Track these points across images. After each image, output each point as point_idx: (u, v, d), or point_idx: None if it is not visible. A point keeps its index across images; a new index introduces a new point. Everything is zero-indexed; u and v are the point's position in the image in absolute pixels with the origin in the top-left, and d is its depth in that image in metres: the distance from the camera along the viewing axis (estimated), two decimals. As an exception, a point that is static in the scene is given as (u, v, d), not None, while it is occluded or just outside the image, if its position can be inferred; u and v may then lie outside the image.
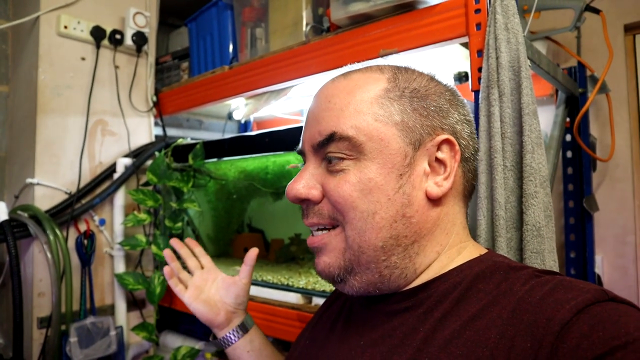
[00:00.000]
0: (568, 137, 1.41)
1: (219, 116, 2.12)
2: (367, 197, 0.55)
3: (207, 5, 1.65)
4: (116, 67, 1.66)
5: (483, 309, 0.49)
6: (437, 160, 0.58)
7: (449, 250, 0.59)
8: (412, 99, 0.58)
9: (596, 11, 1.32)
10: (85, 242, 1.50)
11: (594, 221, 1.43)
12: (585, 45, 1.47)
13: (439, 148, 0.58)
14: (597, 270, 1.44)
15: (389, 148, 0.55)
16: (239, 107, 1.81)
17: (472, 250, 0.60)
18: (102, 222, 1.59)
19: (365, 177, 0.55)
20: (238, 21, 1.52)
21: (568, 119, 1.37)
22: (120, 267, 1.59)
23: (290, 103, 1.74)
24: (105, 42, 1.62)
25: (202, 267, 0.97)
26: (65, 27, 1.52)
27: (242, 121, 2.15)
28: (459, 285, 0.54)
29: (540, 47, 1.35)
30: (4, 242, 1.30)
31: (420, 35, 0.98)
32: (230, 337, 0.87)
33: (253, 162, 1.50)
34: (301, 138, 0.63)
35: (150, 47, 1.76)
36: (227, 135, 1.95)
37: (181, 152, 1.61)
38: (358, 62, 1.09)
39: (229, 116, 2.04)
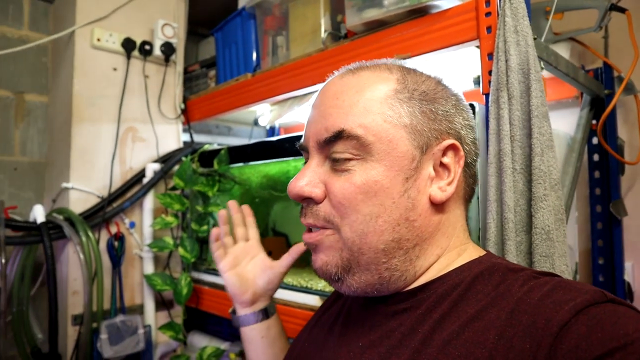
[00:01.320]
0: (595, 140, 1.37)
1: (246, 122, 2.17)
2: (371, 199, 0.54)
3: (232, 15, 1.70)
4: (146, 76, 1.74)
5: (482, 310, 0.49)
6: (442, 164, 0.58)
7: (449, 252, 0.59)
8: (420, 101, 0.57)
9: (622, 10, 1.28)
10: (116, 243, 1.57)
11: (624, 227, 1.38)
12: (614, 46, 1.43)
13: (444, 153, 0.57)
14: (627, 277, 1.39)
15: (397, 150, 0.54)
16: (264, 113, 1.85)
17: (471, 252, 0.60)
18: (132, 224, 1.65)
19: (371, 179, 0.54)
20: (260, 30, 1.56)
21: (595, 122, 1.33)
22: (149, 268, 1.65)
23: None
24: (136, 52, 1.69)
25: (247, 240, 0.94)
26: (98, 39, 1.60)
27: (268, 127, 2.20)
28: (457, 286, 0.54)
29: (565, 48, 1.33)
30: (40, 243, 1.38)
31: (432, 40, 0.99)
32: (250, 317, 0.85)
33: (275, 167, 1.54)
34: (304, 133, 0.61)
35: (179, 57, 1.83)
36: (252, 141, 1.99)
37: (207, 158, 1.66)
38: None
39: (255, 122, 2.09)
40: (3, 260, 1.34)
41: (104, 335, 1.43)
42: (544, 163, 0.80)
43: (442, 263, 0.58)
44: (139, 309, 1.65)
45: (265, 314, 0.87)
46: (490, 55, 0.90)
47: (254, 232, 0.95)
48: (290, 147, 1.36)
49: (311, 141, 0.59)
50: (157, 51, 1.71)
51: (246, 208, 0.96)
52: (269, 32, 1.52)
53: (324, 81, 1.25)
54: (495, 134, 0.85)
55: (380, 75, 0.59)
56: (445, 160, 0.57)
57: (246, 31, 1.65)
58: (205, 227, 1.65)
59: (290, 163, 1.47)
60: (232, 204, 0.95)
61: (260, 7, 1.54)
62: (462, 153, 0.57)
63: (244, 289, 0.86)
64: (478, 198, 0.90)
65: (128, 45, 1.66)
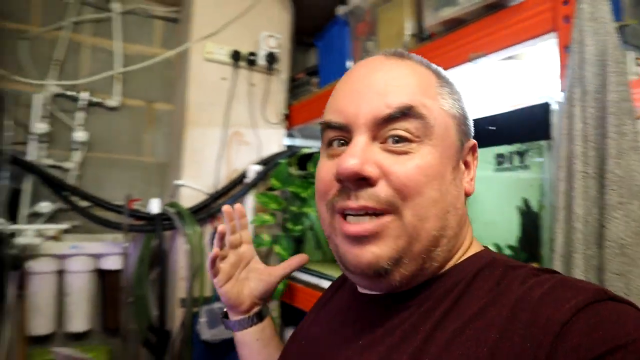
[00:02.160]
0: None
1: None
2: (432, 183, 0.52)
3: (331, 24, 1.76)
4: (252, 84, 1.88)
5: (483, 308, 0.49)
6: (465, 162, 0.60)
7: (465, 245, 0.59)
8: (459, 100, 0.59)
9: None
10: (218, 237, 1.72)
11: None
12: None
13: (468, 152, 0.60)
14: None
15: (449, 139, 0.55)
16: None
17: (476, 246, 0.61)
18: (235, 221, 1.80)
19: (430, 162, 0.52)
20: (353, 36, 1.60)
21: None
22: (248, 262, 1.78)
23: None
24: (242, 63, 1.85)
25: (240, 244, 0.88)
26: (209, 52, 1.79)
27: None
28: (459, 283, 0.53)
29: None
30: (153, 232, 1.58)
31: (507, 36, 0.94)
32: (245, 322, 0.84)
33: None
34: (344, 110, 0.55)
35: (282, 65, 1.95)
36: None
37: (304, 161, 1.75)
38: (448, 69, 1.09)
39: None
40: (126, 244, 1.56)
41: (203, 319, 1.58)
42: (620, 167, 0.72)
43: (456, 257, 0.58)
44: (238, 299, 1.78)
45: (260, 317, 0.85)
46: (567, 48, 0.83)
47: (246, 235, 0.90)
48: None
49: (362, 118, 0.53)
50: (261, 61, 1.85)
51: (240, 208, 0.89)
52: (360, 38, 1.56)
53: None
54: (567, 134, 0.78)
55: (421, 65, 0.59)
56: (469, 158, 0.60)
57: (342, 38, 1.70)
58: (299, 227, 1.73)
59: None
60: (227, 209, 0.88)
61: (353, 14, 1.58)
62: (477, 154, 0.60)
63: (240, 300, 0.84)
64: (546, 205, 0.83)
65: (235, 56, 1.82)
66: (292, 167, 1.79)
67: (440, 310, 0.51)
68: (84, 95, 1.88)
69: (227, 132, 1.82)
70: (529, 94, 1.02)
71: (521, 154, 0.92)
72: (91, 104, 1.91)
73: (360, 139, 0.53)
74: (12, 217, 1.71)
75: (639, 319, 0.41)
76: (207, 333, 1.58)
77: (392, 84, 0.54)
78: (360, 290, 0.63)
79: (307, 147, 1.86)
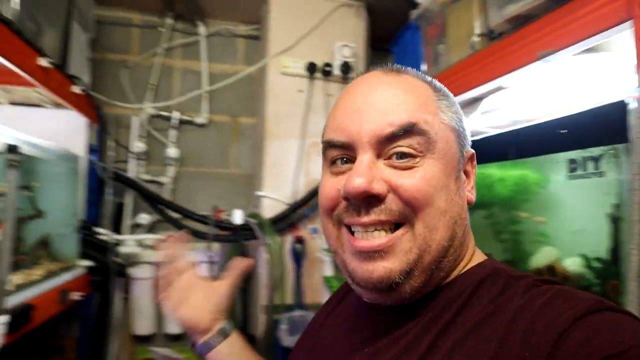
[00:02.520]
0: None
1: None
2: (439, 194, 0.53)
3: (403, 29, 1.73)
4: (328, 95, 1.91)
5: (485, 318, 0.49)
6: (465, 171, 0.60)
7: (468, 254, 0.59)
8: (457, 112, 0.59)
9: None
10: (298, 246, 1.77)
11: None
12: None
13: (467, 161, 0.60)
14: None
15: (451, 151, 0.55)
16: None
17: (478, 255, 0.60)
18: (314, 230, 1.83)
19: (436, 175, 0.53)
20: (425, 40, 1.56)
21: None
22: (328, 271, 1.80)
23: (493, 116, 1.67)
24: (318, 74, 1.88)
25: (185, 270, 0.85)
26: (285, 66, 1.84)
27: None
28: (462, 293, 0.54)
29: None
30: (234, 242, 1.66)
31: (576, 29, 0.85)
32: (211, 342, 0.81)
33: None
34: (348, 129, 0.55)
35: (359, 73, 1.95)
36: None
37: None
38: (515, 69, 1.02)
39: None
40: (211, 254, 1.66)
41: (284, 326, 1.63)
42: None
43: (462, 265, 0.58)
44: (319, 307, 1.81)
45: (224, 333, 0.83)
46: (648, 39, 0.73)
47: (190, 261, 0.88)
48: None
49: (365, 136, 0.53)
50: (336, 71, 1.87)
51: (175, 236, 0.88)
52: (431, 41, 1.51)
53: (472, 87, 1.22)
54: (647, 137, 0.69)
55: (419, 80, 0.59)
56: (468, 167, 0.60)
57: (414, 43, 1.66)
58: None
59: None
60: (162, 241, 0.87)
61: (423, 18, 1.54)
62: (475, 163, 0.60)
63: (196, 320, 0.81)
64: (618, 218, 0.74)
65: (311, 68, 1.86)
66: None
67: (443, 320, 0.52)
68: (176, 115, 2.03)
69: (305, 143, 1.86)
70: (605, 92, 0.92)
71: (596, 159, 0.83)
72: (182, 122, 2.06)
73: (365, 157, 0.53)
74: (117, 229, 1.90)
75: (636, 327, 0.42)
76: (287, 340, 1.62)
77: (392, 101, 0.54)
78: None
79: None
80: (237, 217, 1.75)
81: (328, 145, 0.58)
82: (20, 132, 1.33)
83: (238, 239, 1.68)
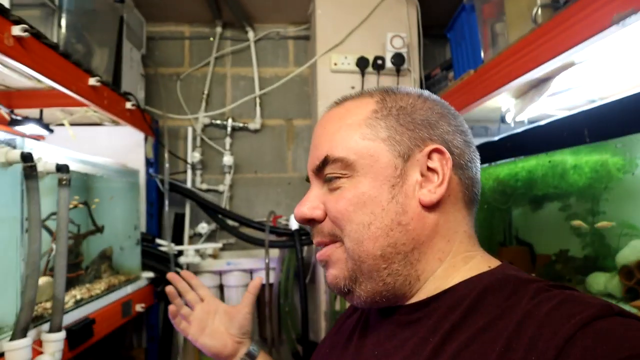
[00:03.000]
0: None
1: (495, 120, 2.00)
2: (362, 209, 0.58)
3: (457, 11, 1.60)
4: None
5: (491, 321, 0.50)
6: (429, 169, 0.60)
7: (453, 258, 0.60)
8: (398, 115, 0.61)
9: None
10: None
11: None
12: None
13: (429, 157, 0.59)
14: None
15: (379, 162, 0.59)
16: (509, 109, 1.68)
17: (480, 261, 0.60)
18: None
19: (359, 192, 0.59)
20: (480, 20, 1.42)
21: None
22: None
23: (563, 98, 1.50)
24: (369, 69, 1.79)
25: (202, 300, 0.95)
26: (335, 64, 1.77)
27: (512, 124, 1.96)
28: (467, 297, 0.54)
29: None
30: (292, 247, 1.62)
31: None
32: None
33: (503, 169, 1.37)
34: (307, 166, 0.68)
35: (413, 64, 1.84)
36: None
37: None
38: (587, 38, 0.88)
39: (502, 119, 1.90)
40: (267, 260, 1.62)
41: (346, 335, 1.56)
42: None
43: (447, 270, 0.59)
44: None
45: (251, 356, 0.88)
46: None
47: (204, 291, 0.97)
48: (512, 147, 1.19)
49: (309, 170, 0.65)
50: (388, 64, 1.77)
51: (186, 273, 0.99)
52: (487, 20, 1.37)
53: (538, 65, 1.08)
54: None
55: (362, 101, 0.64)
56: (432, 164, 0.59)
57: (471, 25, 1.53)
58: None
59: (517, 164, 1.28)
60: (172, 276, 0.98)
61: (478, -4, 1.41)
62: (448, 156, 0.59)
63: (222, 344, 0.88)
64: None
65: (362, 63, 1.78)
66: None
67: (449, 323, 0.53)
68: (229, 122, 2.03)
69: (359, 142, 1.77)
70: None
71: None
72: (236, 129, 2.06)
73: (313, 187, 0.65)
74: (179, 239, 1.93)
75: None
76: (350, 349, 1.55)
77: (320, 136, 0.64)
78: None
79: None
80: (293, 222, 1.70)
81: (307, 180, 0.69)
82: (81, 151, 1.37)
83: (295, 244, 1.63)
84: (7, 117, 1.41)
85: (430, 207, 0.59)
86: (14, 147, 1.00)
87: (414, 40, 1.86)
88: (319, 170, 0.62)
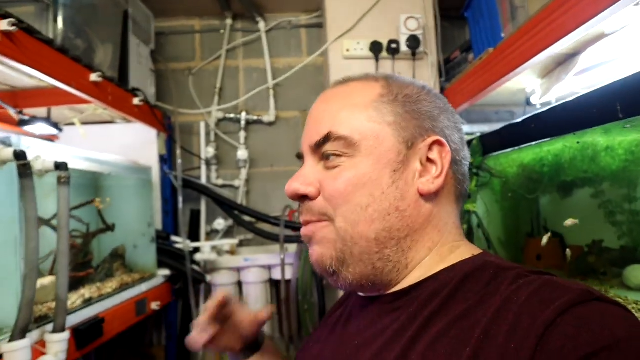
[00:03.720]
0: None
1: (519, 104, 1.88)
2: (360, 190, 0.58)
3: (475, -14, 1.51)
4: (398, 74, 1.73)
5: (470, 308, 0.50)
6: (429, 160, 0.60)
7: (441, 248, 0.61)
8: (404, 103, 0.61)
9: None
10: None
11: None
12: None
13: (430, 148, 0.60)
14: None
15: (384, 145, 0.59)
16: (535, 90, 1.58)
17: (464, 250, 0.61)
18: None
19: (360, 173, 0.58)
20: (498, -7, 1.32)
21: None
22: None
23: (593, 75, 1.39)
24: (384, 54, 1.71)
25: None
26: (347, 50, 1.70)
27: (538, 106, 1.84)
28: (448, 284, 0.55)
29: None
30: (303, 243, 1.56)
31: None
32: (246, 351, 0.82)
33: (528, 153, 1.27)
34: (302, 140, 0.66)
35: (430, 47, 1.75)
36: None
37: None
38: (614, 3, 0.78)
39: (528, 102, 1.79)
40: (282, 256, 1.57)
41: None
42: None
43: (434, 258, 0.60)
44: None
45: (257, 345, 0.83)
46: None
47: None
48: (536, 129, 1.10)
49: (305, 145, 0.64)
50: (403, 47, 1.68)
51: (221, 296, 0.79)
52: (506, -7, 1.28)
53: (562, 36, 0.99)
54: None
55: (368, 83, 0.64)
56: (432, 155, 0.60)
57: (489, 1, 1.43)
58: (464, 226, 1.51)
59: (542, 148, 1.18)
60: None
61: (494, -33, 1.31)
62: (448, 149, 0.60)
63: (233, 343, 0.80)
64: None
65: (375, 48, 1.70)
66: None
67: (428, 311, 0.53)
68: (243, 116, 1.99)
69: (375, 131, 1.70)
70: None
71: None
72: (250, 123, 2.02)
73: (306, 162, 0.63)
74: (195, 236, 1.90)
75: (624, 318, 0.42)
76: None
77: (323, 111, 0.62)
78: (360, 294, 0.67)
79: (467, 134, 1.61)
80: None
81: (297, 158, 0.68)
82: (94, 149, 1.35)
83: (309, 239, 1.57)
84: (15, 117, 1.41)
85: (427, 197, 0.60)
86: (9, 146, 0.98)
87: (430, 21, 1.77)
88: (318, 146, 0.61)
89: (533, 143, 1.13)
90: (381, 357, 0.54)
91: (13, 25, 0.95)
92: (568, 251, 1.11)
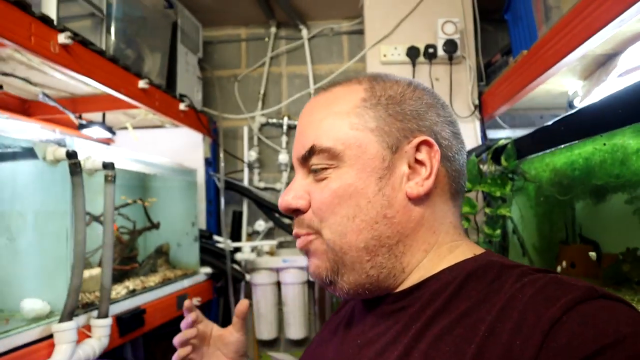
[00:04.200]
0: None
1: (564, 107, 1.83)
2: (347, 201, 0.57)
3: (513, -11, 1.49)
4: (435, 79, 1.73)
5: (473, 306, 0.50)
6: (417, 161, 0.58)
7: (439, 248, 0.59)
8: (387, 105, 0.59)
9: None
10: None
11: None
12: None
13: (417, 149, 0.58)
14: None
15: (367, 153, 0.58)
16: (577, 92, 1.53)
17: (465, 250, 0.60)
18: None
19: (345, 183, 0.57)
20: (534, -5, 1.31)
21: None
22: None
23: (636, 77, 1.33)
24: (421, 58, 1.72)
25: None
26: (385, 55, 1.72)
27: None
28: (451, 283, 0.54)
29: None
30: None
31: None
32: None
33: (560, 157, 1.24)
34: (292, 151, 0.66)
35: (468, 51, 1.74)
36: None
37: (499, 154, 1.50)
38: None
39: (570, 105, 1.73)
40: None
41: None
42: None
43: (433, 260, 0.59)
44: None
45: None
46: None
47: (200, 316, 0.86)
48: (565, 131, 1.08)
49: (294, 158, 0.63)
50: (440, 51, 1.68)
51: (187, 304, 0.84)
52: (541, -6, 1.26)
53: (593, 33, 0.97)
54: None
55: (350, 87, 0.62)
56: (420, 156, 0.58)
57: (526, 2, 1.41)
58: (498, 232, 1.49)
59: (573, 151, 1.15)
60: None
61: (530, -31, 1.30)
62: (436, 148, 0.58)
63: None
64: None
65: (412, 53, 1.71)
66: (486, 163, 1.56)
67: (431, 310, 0.53)
68: (285, 121, 2.05)
69: (412, 135, 1.71)
70: None
71: None
72: (291, 127, 2.08)
73: (297, 176, 0.63)
74: (237, 237, 1.98)
75: (629, 316, 0.42)
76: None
77: (306, 124, 0.61)
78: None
79: (507, 138, 1.59)
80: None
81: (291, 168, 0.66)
82: (144, 152, 1.46)
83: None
84: (75, 121, 1.54)
85: (416, 200, 0.58)
86: (63, 146, 1.08)
87: (469, 25, 1.76)
88: (305, 159, 0.61)
89: (562, 146, 1.11)
90: (384, 356, 0.54)
91: (70, 38, 1.06)
92: (592, 254, 1.08)
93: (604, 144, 1.02)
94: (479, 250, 0.60)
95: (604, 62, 1.30)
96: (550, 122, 1.15)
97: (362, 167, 0.57)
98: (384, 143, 0.58)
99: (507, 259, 0.57)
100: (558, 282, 0.47)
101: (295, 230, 0.63)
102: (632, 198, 1.05)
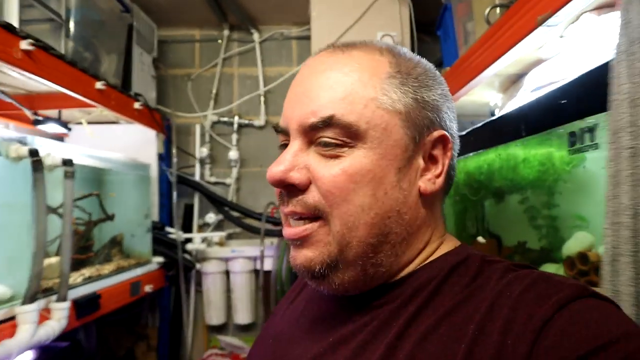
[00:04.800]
0: None
1: (486, 115, 2.05)
2: (363, 190, 0.49)
3: (442, 10, 1.68)
4: (374, 86, 1.90)
5: (459, 303, 0.48)
6: (430, 156, 0.54)
7: (430, 245, 0.56)
8: (413, 87, 0.52)
9: None
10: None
11: None
12: None
13: (433, 144, 0.54)
14: None
15: (391, 139, 0.50)
16: (497, 103, 1.75)
17: (448, 244, 0.58)
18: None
19: (364, 168, 0.49)
20: (456, 19, 1.50)
21: None
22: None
23: (541, 94, 1.56)
24: (361, 67, 1.88)
25: None
26: (328, 63, 1.88)
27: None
28: (433, 279, 0.51)
29: None
30: (282, 236, 1.74)
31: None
32: None
33: (471, 162, 1.44)
34: (284, 113, 0.55)
35: (405, 62, 1.92)
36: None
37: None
38: (520, 40, 0.95)
39: (491, 114, 1.96)
40: (262, 248, 1.76)
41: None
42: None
43: (422, 257, 0.56)
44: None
45: None
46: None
47: None
48: (474, 141, 1.27)
49: (294, 123, 0.52)
50: (379, 62, 1.85)
51: None
52: (461, 19, 1.45)
53: (489, 64, 1.16)
54: (617, 99, 0.61)
55: (373, 56, 0.53)
56: (435, 152, 0.54)
57: (450, 24, 1.60)
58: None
59: (480, 157, 1.36)
60: None
61: (453, -4, 1.48)
62: (450, 145, 0.54)
63: None
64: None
65: (353, 62, 1.87)
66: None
67: (413, 306, 0.49)
68: (236, 119, 2.18)
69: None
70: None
71: (591, 130, 0.75)
72: (242, 126, 2.20)
73: (294, 145, 0.52)
74: (188, 228, 2.09)
75: (620, 316, 0.41)
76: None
77: (321, 86, 0.51)
78: None
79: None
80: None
81: (275, 130, 0.58)
82: (99, 147, 1.54)
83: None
84: (30, 117, 1.60)
85: (426, 197, 0.54)
86: (25, 144, 1.17)
87: (407, 39, 1.94)
88: (313, 129, 0.51)
89: (471, 154, 1.31)
90: (364, 357, 0.48)
91: (32, 44, 1.14)
92: (480, 239, 1.29)
93: (499, 155, 1.22)
94: (457, 243, 0.58)
95: (516, 80, 1.51)
96: (464, 132, 1.35)
97: (383, 152, 0.50)
98: (409, 131, 0.52)
99: (485, 253, 0.54)
100: (546, 279, 0.46)
101: (292, 208, 0.52)
102: (523, 199, 1.26)
